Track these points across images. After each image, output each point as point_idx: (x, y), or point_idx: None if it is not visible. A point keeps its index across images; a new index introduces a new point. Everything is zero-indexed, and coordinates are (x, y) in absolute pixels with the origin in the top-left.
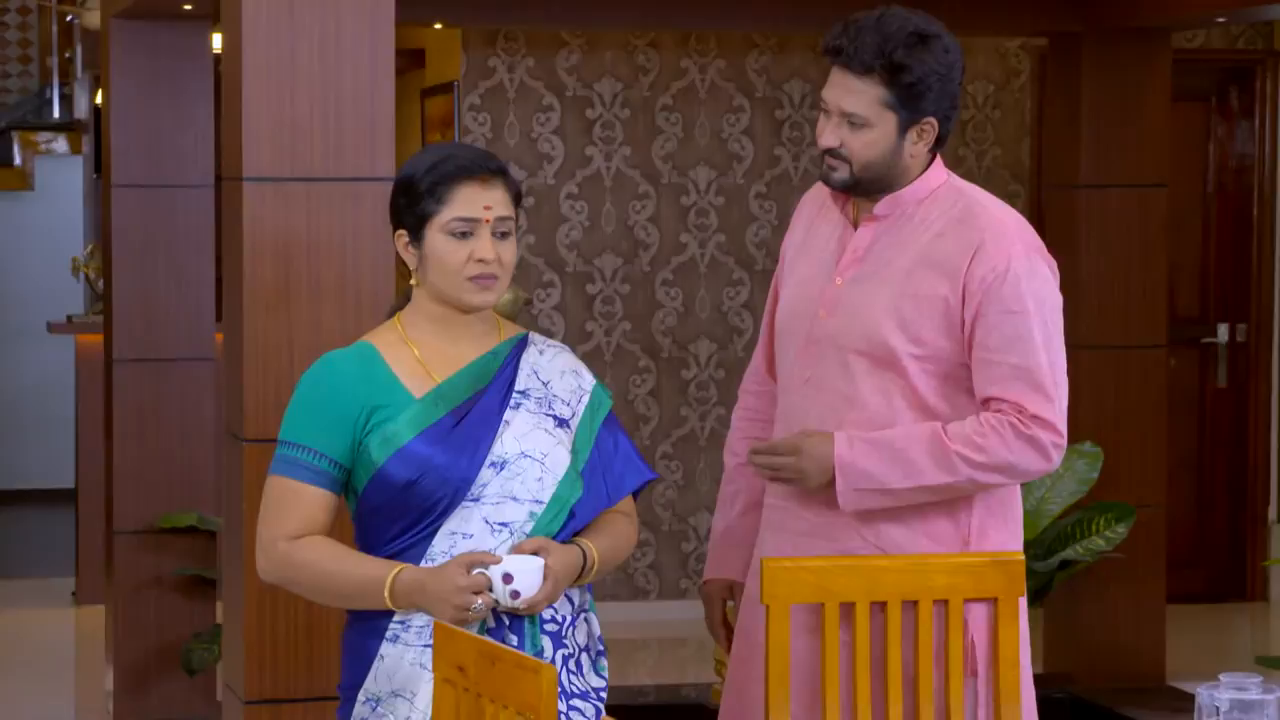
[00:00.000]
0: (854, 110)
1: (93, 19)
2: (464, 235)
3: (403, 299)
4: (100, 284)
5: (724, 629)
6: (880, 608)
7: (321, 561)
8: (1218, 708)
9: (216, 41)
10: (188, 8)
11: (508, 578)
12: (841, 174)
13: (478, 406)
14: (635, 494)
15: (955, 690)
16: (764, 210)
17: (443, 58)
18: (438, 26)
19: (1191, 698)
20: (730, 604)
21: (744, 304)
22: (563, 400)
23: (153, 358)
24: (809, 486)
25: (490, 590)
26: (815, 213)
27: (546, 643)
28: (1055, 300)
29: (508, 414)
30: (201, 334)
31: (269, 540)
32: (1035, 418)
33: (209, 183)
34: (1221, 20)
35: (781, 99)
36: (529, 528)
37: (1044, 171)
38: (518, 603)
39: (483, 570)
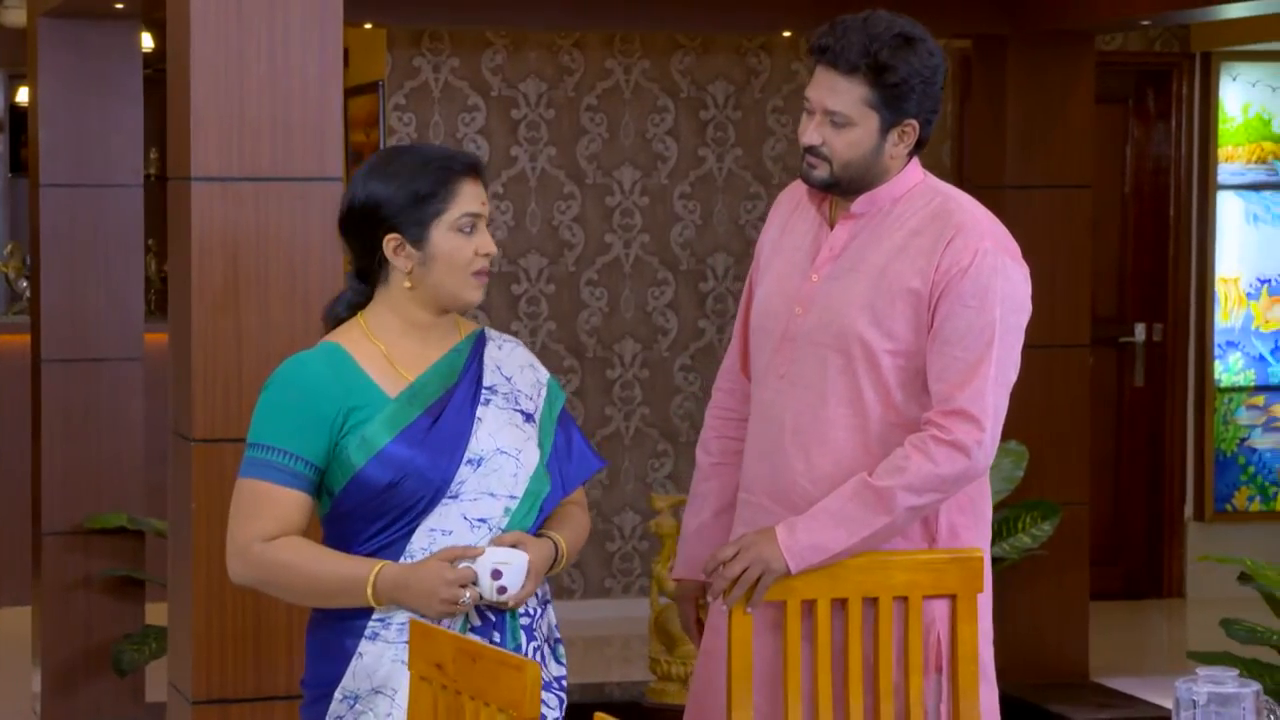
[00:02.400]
0: (837, 109)
1: (14, 17)
2: (470, 231)
3: (343, 305)
4: (20, 284)
5: (698, 628)
6: (841, 604)
7: (299, 562)
8: (1195, 701)
9: (146, 40)
10: (119, 6)
11: (496, 573)
12: (821, 173)
13: (451, 404)
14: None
15: (915, 686)
16: (688, 210)
17: (367, 57)
18: (368, 26)
19: (1115, 693)
20: (704, 603)
21: (668, 304)
22: (526, 395)
23: (81, 358)
24: (780, 571)
25: (475, 584)
26: (791, 211)
27: (522, 636)
28: (1017, 301)
29: (479, 411)
30: (130, 334)
31: (244, 543)
32: (958, 412)
33: (138, 182)
34: (1146, 23)
35: (705, 99)
36: (504, 522)
37: (969, 172)
38: (504, 597)
39: (469, 564)
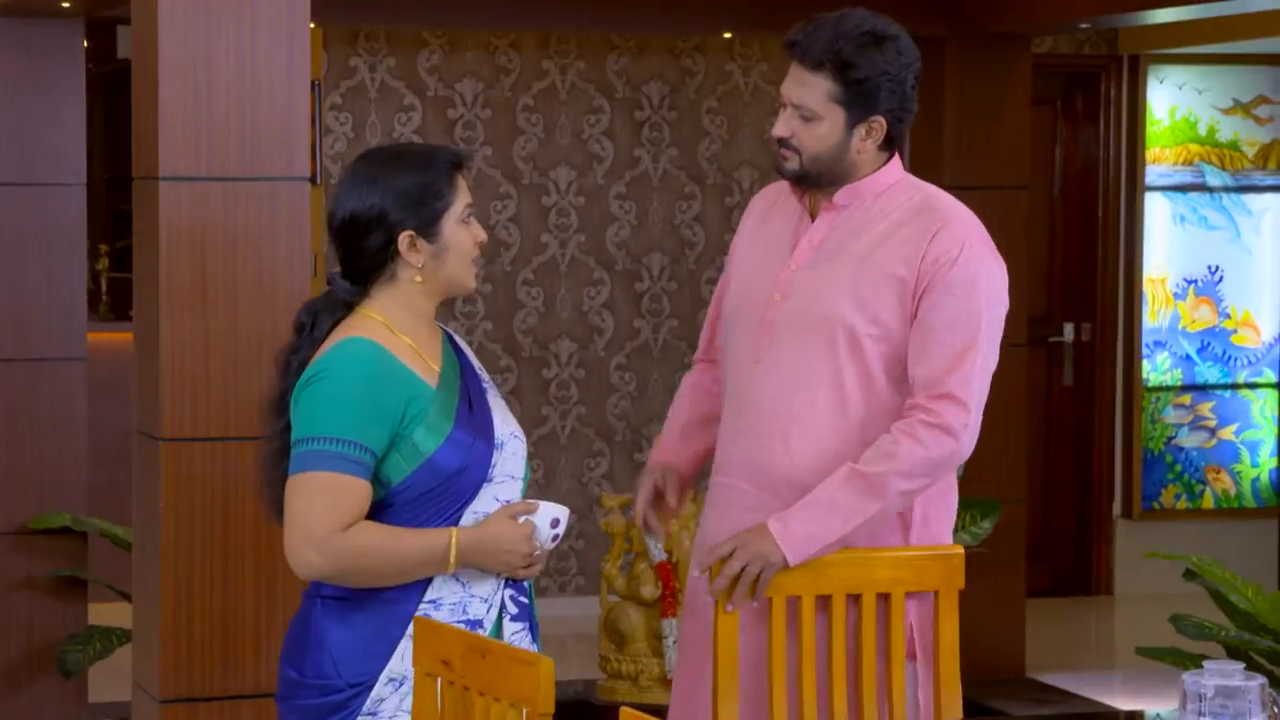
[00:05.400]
0: (804, 103)
1: None
2: (468, 221)
3: (337, 307)
4: None
5: (650, 509)
6: (825, 601)
7: (381, 544)
8: (1201, 694)
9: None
10: (65, 5)
11: (555, 522)
12: (792, 164)
13: (472, 391)
14: None
15: (897, 680)
16: (624, 210)
17: None
18: (310, 26)
19: (1051, 689)
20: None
21: (604, 304)
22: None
23: (23, 357)
24: (779, 564)
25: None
26: (768, 207)
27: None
28: (999, 295)
29: (489, 398)
30: (73, 333)
31: (323, 535)
32: (946, 395)
33: (81, 181)
34: (1085, 26)
35: (641, 100)
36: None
37: (909, 173)
38: (554, 545)
39: (529, 517)
